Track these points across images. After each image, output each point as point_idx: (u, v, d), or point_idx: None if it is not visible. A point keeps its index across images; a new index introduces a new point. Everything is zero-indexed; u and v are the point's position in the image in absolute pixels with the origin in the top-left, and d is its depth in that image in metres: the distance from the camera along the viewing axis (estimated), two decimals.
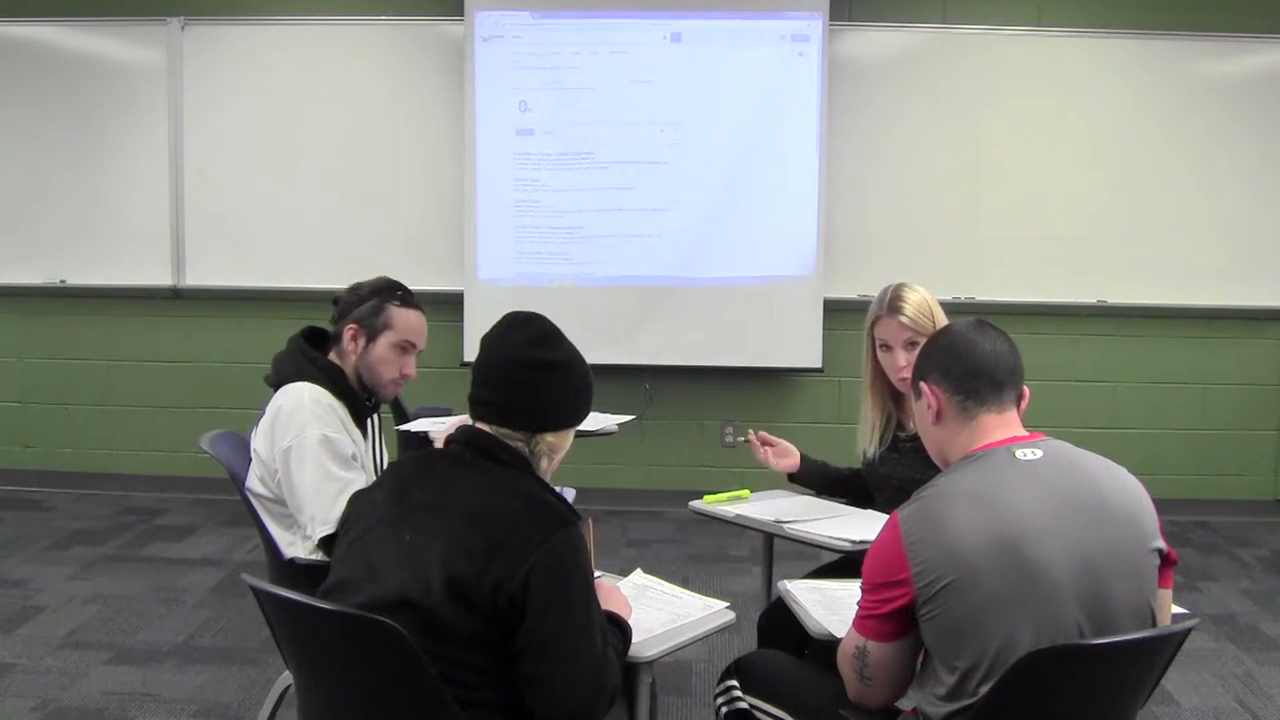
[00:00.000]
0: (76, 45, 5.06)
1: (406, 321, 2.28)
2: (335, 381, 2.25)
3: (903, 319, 2.41)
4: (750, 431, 2.70)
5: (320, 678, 1.59)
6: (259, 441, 2.22)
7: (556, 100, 4.88)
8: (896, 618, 1.53)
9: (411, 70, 5.02)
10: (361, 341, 2.26)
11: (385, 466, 2.37)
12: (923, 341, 2.36)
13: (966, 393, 1.64)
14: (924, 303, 2.44)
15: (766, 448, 2.66)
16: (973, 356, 1.64)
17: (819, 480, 2.70)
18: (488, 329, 1.75)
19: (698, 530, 4.73)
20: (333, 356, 2.29)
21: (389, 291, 2.29)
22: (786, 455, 2.67)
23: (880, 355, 2.48)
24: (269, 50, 5.02)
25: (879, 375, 2.52)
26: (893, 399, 2.56)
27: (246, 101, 5.04)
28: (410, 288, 2.36)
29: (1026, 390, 1.69)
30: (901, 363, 2.42)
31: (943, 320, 2.36)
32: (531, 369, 1.67)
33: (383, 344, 2.26)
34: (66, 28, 5.05)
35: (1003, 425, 1.63)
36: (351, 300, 2.29)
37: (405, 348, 2.29)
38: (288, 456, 2.14)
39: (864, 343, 2.54)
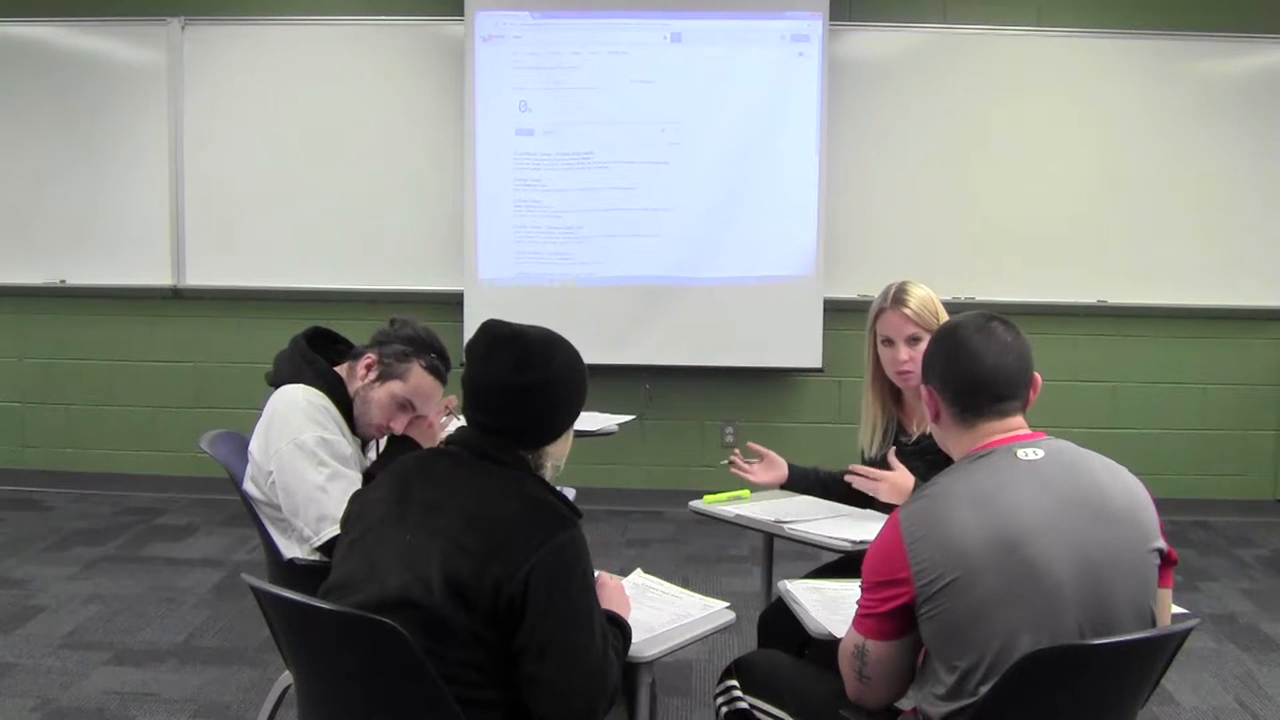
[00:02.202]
0: (76, 45, 5.06)
1: (420, 384, 2.22)
2: (331, 388, 2.23)
3: (906, 311, 2.41)
4: (736, 450, 2.67)
5: (320, 678, 1.59)
6: (254, 444, 2.22)
7: (556, 100, 4.88)
8: (896, 617, 1.53)
9: (411, 70, 5.02)
10: (372, 376, 2.23)
11: None
12: (925, 338, 2.37)
13: (964, 406, 1.63)
14: (928, 299, 2.44)
15: (752, 462, 2.63)
16: (974, 369, 1.61)
17: (812, 486, 2.68)
18: (472, 336, 1.71)
19: (698, 530, 4.73)
20: (343, 367, 2.28)
21: (425, 349, 2.23)
22: (774, 469, 2.65)
23: (881, 350, 2.48)
24: (269, 50, 5.02)
25: (880, 373, 2.52)
26: (894, 399, 2.56)
27: (246, 101, 5.04)
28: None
29: (1038, 377, 1.66)
30: (903, 357, 2.41)
31: (945, 319, 2.35)
32: (519, 395, 1.64)
33: (386, 390, 2.21)
34: (66, 28, 5.05)
35: (1004, 429, 1.62)
36: (391, 333, 2.25)
37: (405, 406, 2.23)
38: (284, 459, 2.12)
39: (866, 339, 2.53)
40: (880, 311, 2.46)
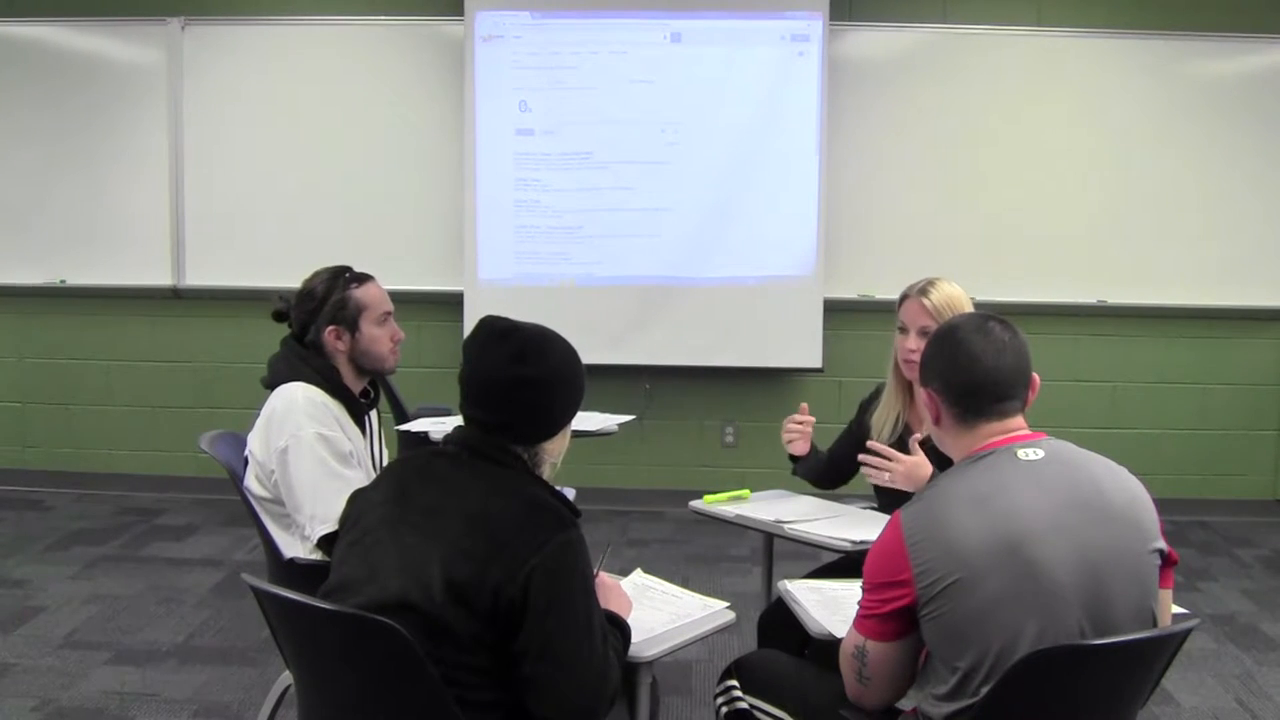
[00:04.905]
0: (76, 45, 5.05)
1: (371, 297, 2.34)
2: (329, 381, 2.26)
3: (925, 302, 2.42)
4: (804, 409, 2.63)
5: (320, 678, 1.59)
6: (255, 443, 2.23)
7: (556, 100, 4.88)
8: (897, 618, 1.53)
9: (411, 70, 5.02)
10: (346, 337, 2.30)
11: (384, 464, 2.37)
12: None
13: (965, 407, 1.63)
14: (955, 297, 2.42)
15: (796, 427, 2.59)
16: (974, 372, 1.61)
17: (817, 462, 2.67)
18: (470, 332, 1.72)
19: (698, 530, 4.73)
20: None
21: (340, 281, 2.32)
22: (805, 441, 2.62)
23: (898, 337, 2.50)
24: (269, 50, 5.02)
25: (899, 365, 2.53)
26: (908, 392, 2.57)
27: (246, 101, 5.03)
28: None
29: (1036, 378, 1.66)
30: (910, 345, 2.44)
31: None
32: (516, 389, 1.64)
33: (366, 327, 2.32)
34: (66, 28, 5.05)
35: (1004, 429, 1.62)
36: (311, 308, 2.31)
37: (384, 318, 2.35)
38: (284, 456, 2.14)
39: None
40: (905, 297, 2.49)
